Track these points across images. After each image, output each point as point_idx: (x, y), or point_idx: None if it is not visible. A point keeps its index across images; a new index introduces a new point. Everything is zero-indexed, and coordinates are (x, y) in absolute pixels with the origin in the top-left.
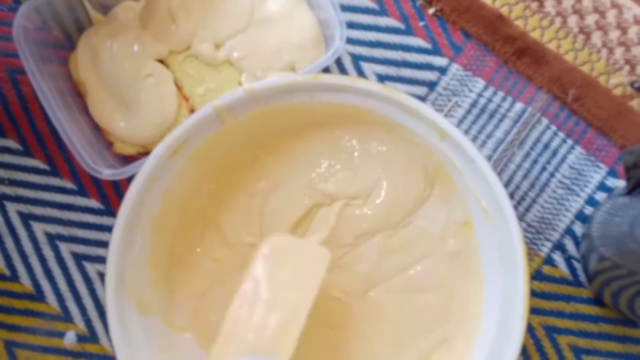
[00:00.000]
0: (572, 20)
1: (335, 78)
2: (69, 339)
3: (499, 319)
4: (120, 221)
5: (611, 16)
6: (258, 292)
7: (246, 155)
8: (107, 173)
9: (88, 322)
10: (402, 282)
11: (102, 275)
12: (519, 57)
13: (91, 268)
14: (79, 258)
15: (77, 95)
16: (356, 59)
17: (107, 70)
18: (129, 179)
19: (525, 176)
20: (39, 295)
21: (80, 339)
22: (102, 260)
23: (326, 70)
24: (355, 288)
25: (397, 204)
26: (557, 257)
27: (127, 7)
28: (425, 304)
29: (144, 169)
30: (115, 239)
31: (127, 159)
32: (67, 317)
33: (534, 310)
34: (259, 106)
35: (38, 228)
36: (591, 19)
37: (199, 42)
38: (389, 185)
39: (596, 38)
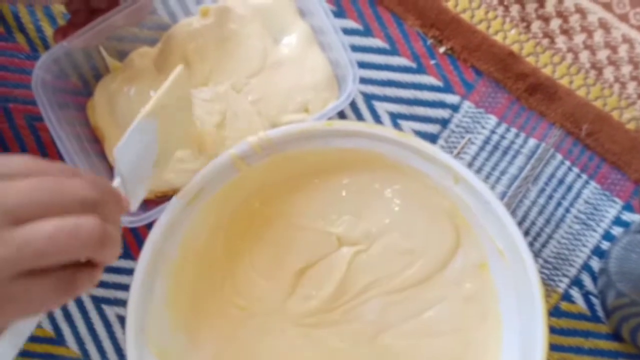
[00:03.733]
0: (584, 56)
1: (349, 124)
2: None
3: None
4: (140, 270)
5: (623, 51)
6: None
7: (257, 204)
8: (126, 220)
9: None
10: (415, 327)
11: (121, 318)
12: (531, 93)
13: (110, 311)
14: (98, 301)
15: (95, 141)
16: (368, 98)
17: (125, 116)
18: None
19: (541, 212)
20: (59, 339)
21: None
22: (120, 303)
23: (340, 112)
24: (364, 334)
25: (418, 252)
26: (575, 293)
27: (142, 53)
28: (440, 347)
29: (163, 217)
30: (134, 288)
31: (144, 203)
32: None
33: (552, 347)
34: (274, 153)
35: None
36: (603, 55)
37: (214, 86)
38: (403, 232)
39: (608, 73)
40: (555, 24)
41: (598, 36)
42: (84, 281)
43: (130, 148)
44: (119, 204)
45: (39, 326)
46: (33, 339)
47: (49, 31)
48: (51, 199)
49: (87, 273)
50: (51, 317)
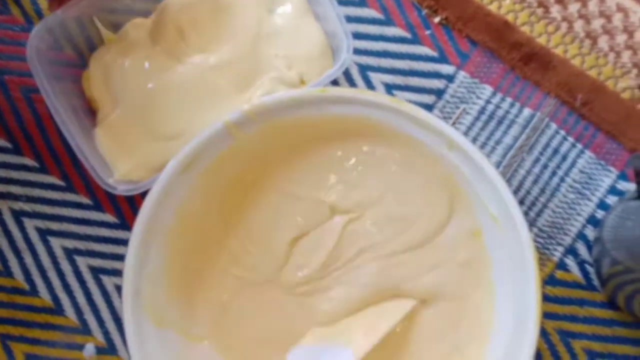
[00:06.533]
0: (578, 25)
1: (343, 91)
2: (88, 351)
3: (512, 325)
4: (136, 236)
5: (617, 20)
6: None
7: (251, 175)
8: (121, 189)
9: (106, 334)
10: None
11: (119, 288)
12: (526, 63)
13: (108, 281)
14: (96, 272)
15: (90, 113)
16: (363, 69)
17: (119, 87)
18: (143, 195)
19: (535, 181)
20: (58, 309)
21: (99, 351)
22: (118, 273)
23: (335, 81)
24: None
25: (411, 219)
26: (570, 262)
27: (137, 24)
28: (432, 314)
29: (157, 185)
30: (130, 253)
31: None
32: (85, 330)
33: (547, 315)
34: (268, 120)
35: (56, 243)
36: (597, 24)
37: (210, 55)
38: (396, 199)
39: (603, 42)
40: None
41: (592, 5)
42: None
43: None
44: None
45: (38, 296)
46: (32, 308)
47: (43, 3)
48: None
49: None
50: (50, 287)
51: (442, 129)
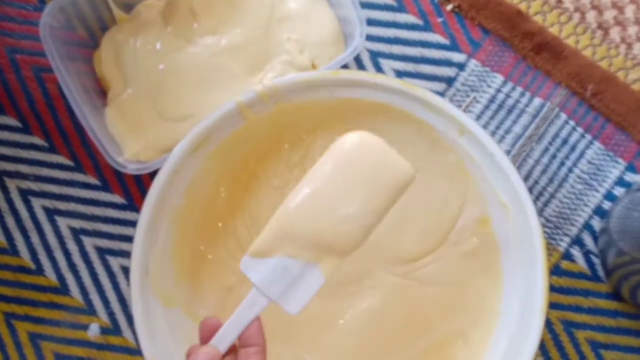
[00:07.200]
0: (591, 16)
1: (355, 74)
2: (93, 331)
3: (518, 313)
4: (145, 214)
5: (630, 12)
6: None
7: (261, 157)
8: (131, 167)
9: (111, 314)
10: (414, 277)
11: (125, 269)
12: (537, 52)
13: (114, 262)
14: (102, 252)
15: (101, 93)
16: (374, 55)
17: (130, 67)
18: (152, 176)
19: (544, 171)
20: (63, 289)
21: (104, 331)
22: (125, 254)
23: (345, 67)
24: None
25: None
26: (576, 252)
27: (149, 5)
28: (437, 295)
29: (167, 164)
30: (139, 232)
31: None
32: (90, 310)
33: (552, 305)
34: (280, 102)
35: (62, 223)
36: (609, 15)
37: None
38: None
39: (614, 33)
40: None
41: None
42: None
43: None
44: None
45: (43, 275)
46: (37, 287)
47: None
48: None
49: None
50: (56, 267)
51: (453, 113)
